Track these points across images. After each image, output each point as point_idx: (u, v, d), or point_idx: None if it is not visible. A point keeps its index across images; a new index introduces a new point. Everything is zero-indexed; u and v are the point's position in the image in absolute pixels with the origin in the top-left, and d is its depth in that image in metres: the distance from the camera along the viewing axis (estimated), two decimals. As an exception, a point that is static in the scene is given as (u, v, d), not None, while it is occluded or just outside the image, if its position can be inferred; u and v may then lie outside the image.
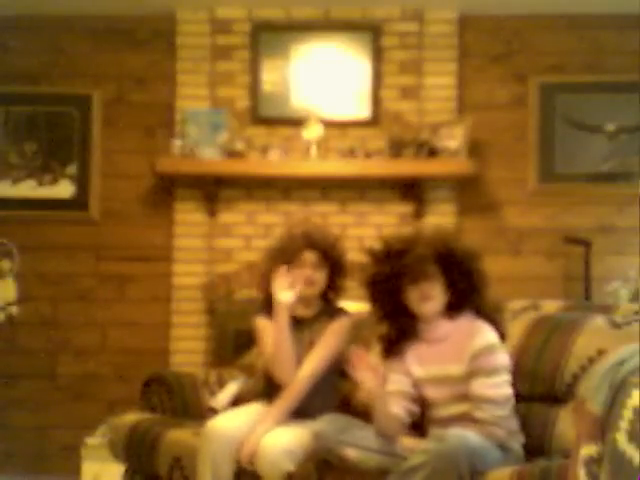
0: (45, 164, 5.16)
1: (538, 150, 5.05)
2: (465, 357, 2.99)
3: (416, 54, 5.04)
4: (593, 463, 2.27)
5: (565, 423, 2.99)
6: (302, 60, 5.05)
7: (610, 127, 5.00)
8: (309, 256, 3.47)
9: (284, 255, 3.46)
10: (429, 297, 3.06)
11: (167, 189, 5.05)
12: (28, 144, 5.18)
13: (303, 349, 3.42)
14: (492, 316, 3.12)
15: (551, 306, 3.62)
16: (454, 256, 3.09)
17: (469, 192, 5.01)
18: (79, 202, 5.13)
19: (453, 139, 4.80)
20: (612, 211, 5.00)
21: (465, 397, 2.99)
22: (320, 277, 3.48)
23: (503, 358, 3.02)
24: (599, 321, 3.26)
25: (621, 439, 2.23)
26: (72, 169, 5.14)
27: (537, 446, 3.08)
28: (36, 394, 5.07)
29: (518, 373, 3.28)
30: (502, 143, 5.07)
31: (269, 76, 5.06)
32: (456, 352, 3.03)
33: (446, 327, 3.11)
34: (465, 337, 3.03)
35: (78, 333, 5.09)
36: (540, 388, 3.20)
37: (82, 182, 5.14)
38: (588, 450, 2.28)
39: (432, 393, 3.10)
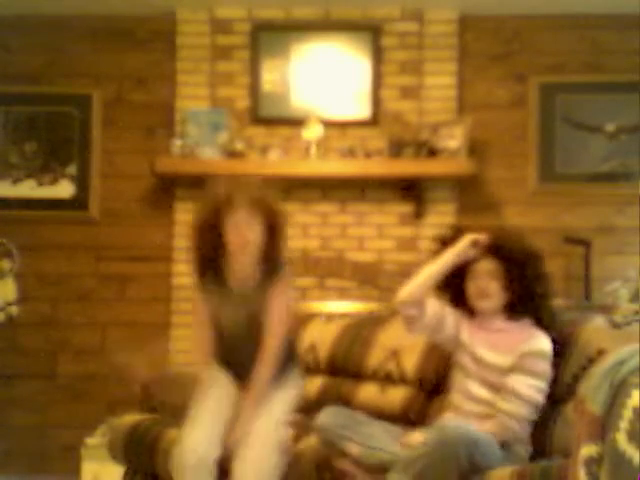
0: (45, 164, 5.16)
1: (538, 150, 5.06)
2: (515, 353, 2.97)
3: (416, 54, 5.04)
4: (593, 463, 2.27)
5: (565, 422, 2.99)
6: (302, 60, 5.05)
7: (610, 127, 5.00)
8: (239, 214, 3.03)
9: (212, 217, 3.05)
10: (486, 294, 3.04)
11: (167, 189, 5.05)
12: (28, 144, 5.18)
13: (249, 322, 3.13)
14: (551, 330, 3.06)
15: (551, 306, 3.62)
16: (515, 256, 3.07)
17: (469, 192, 5.01)
18: (79, 202, 5.13)
19: (453, 139, 4.80)
20: (612, 211, 5.00)
21: (494, 387, 2.98)
22: (254, 234, 3.02)
23: (549, 368, 2.99)
24: (599, 321, 3.26)
25: (621, 439, 2.23)
26: (72, 169, 5.14)
27: (537, 445, 3.08)
28: (36, 394, 5.07)
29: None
30: (502, 143, 5.07)
31: (269, 76, 5.06)
32: (507, 345, 3.00)
33: (503, 324, 3.08)
34: (520, 337, 3.00)
35: (78, 333, 5.09)
36: (540, 387, 3.20)
37: (82, 182, 5.14)
38: (588, 450, 2.28)
39: (466, 362, 3.08)
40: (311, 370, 3.88)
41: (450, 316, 3.13)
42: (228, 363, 3.18)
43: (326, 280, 4.98)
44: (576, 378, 3.06)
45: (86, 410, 5.00)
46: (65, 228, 5.13)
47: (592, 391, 2.33)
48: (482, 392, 3.01)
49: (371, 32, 5.04)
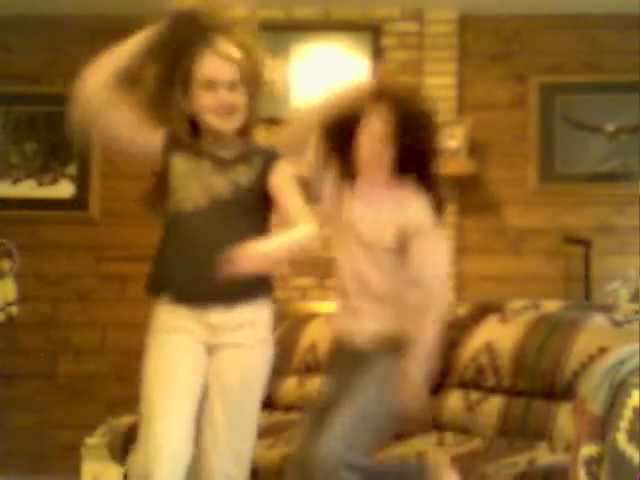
0: (45, 164, 5.16)
1: (538, 150, 5.05)
2: (401, 229, 2.76)
3: (416, 54, 5.04)
4: (593, 463, 2.27)
5: (565, 418, 2.99)
6: (302, 60, 5.04)
7: (610, 127, 5.00)
8: (222, 71, 2.55)
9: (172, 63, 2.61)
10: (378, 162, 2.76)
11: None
12: (28, 144, 5.18)
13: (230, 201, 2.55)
14: (433, 190, 2.92)
15: (551, 306, 3.63)
16: (413, 118, 2.75)
17: (469, 192, 5.01)
18: (79, 202, 5.13)
19: (453, 139, 4.80)
20: (612, 211, 4.99)
21: (380, 264, 2.75)
22: (239, 99, 2.57)
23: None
24: (600, 319, 3.27)
25: (621, 439, 2.24)
26: (72, 169, 5.14)
27: (538, 440, 3.08)
28: (36, 394, 5.07)
29: (518, 370, 3.29)
30: (502, 143, 5.06)
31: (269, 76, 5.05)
32: (390, 218, 2.77)
33: (386, 190, 2.81)
34: (399, 207, 2.79)
35: (78, 333, 5.09)
36: (540, 385, 3.21)
37: (82, 182, 5.14)
38: (588, 450, 2.29)
39: (347, 238, 2.78)
40: (311, 370, 3.88)
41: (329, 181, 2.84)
42: (183, 263, 2.50)
43: (326, 280, 4.98)
44: (576, 375, 3.07)
45: (86, 410, 5.00)
46: (65, 228, 5.13)
47: (592, 391, 2.33)
48: (371, 272, 2.75)
49: (371, 32, 5.04)
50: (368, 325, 2.74)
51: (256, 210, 2.56)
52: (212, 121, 2.53)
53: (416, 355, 2.67)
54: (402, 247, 2.76)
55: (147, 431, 2.40)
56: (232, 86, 2.53)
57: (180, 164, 2.55)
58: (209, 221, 2.50)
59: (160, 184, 2.59)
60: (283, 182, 2.60)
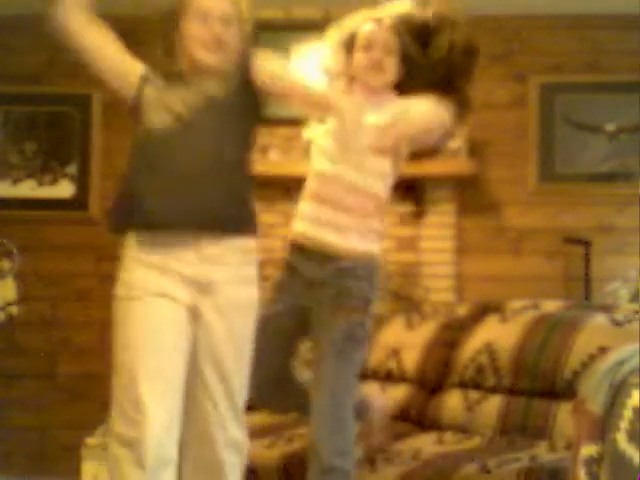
0: (45, 164, 5.16)
1: (538, 150, 5.05)
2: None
3: (416, 54, 5.03)
4: (593, 463, 2.27)
5: (565, 417, 3.00)
6: (302, 60, 5.04)
7: (610, 127, 5.00)
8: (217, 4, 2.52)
9: None
10: (380, 68, 2.83)
11: (167, 189, 5.04)
12: (28, 144, 5.18)
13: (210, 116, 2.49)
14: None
15: (551, 306, 3.64)
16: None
17: (469, 192, 5.01)
18: (79, 202, 5.13)
19: (453, 139, 4.79)
20: (612, 211, 4.99)
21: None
22: (231, 37, 2.54)
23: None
24: (600, 319, 3.27)
25: (621, 439, 2.24)
26: (72, 169, 5.14)
27: (538, 440, 3.09)
28: (36, 394, 5.07)
29: (518, 370, 3.30)
30: (502, 143, 5.06)
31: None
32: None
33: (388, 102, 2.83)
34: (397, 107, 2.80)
35: (78, 333, 5.09)
36: (540, 384, 3.22)
37: (82, 182, 5.14)
38: (588, 450, 2.29)
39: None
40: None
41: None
42: (161, 190, 2.35)
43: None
44: (576, 375, 3.07)
45: (86, 410, 5.00)
46: (65, 228, 5.13)
47: (592, 391, 2.33)
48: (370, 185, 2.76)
49: (371, 32, 5.03)
50: (351, 243, 2.72)
51: (237, 118, 2.49)
52: (199, 54, 2.45)
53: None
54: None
55: (130, 396, 2.24)
56: (226, 22, 2.47)
57: (152, 91, 2.49)
58: (186, 136, 2.39)
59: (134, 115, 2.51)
60: (261, 65, 2.55)
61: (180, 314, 2.34)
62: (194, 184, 2.30)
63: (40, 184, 5.16)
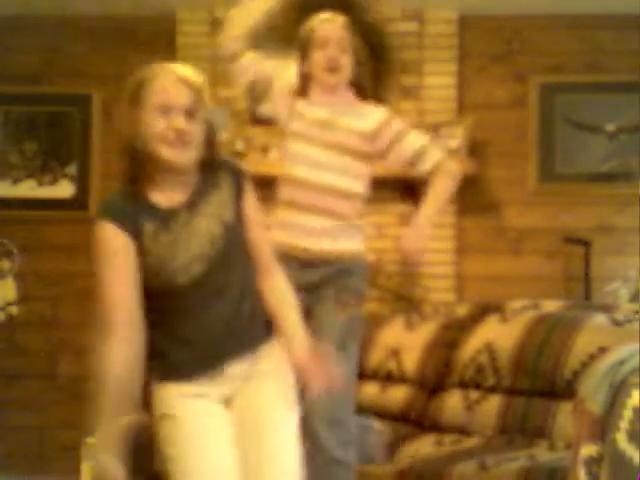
0: (45, 164, 5.16)
1: (538, 150, 5.05)
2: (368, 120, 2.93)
3: (416, 54, 5.03)
4: (593, 463, 2.27)
5: (565, 417, 3.00)
6: (302, 60, 5.04)
7: (610, 127, 4.99)
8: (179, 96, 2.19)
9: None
10: (337, 67, 2.88)
11: (167, 189, 5.04)
12: (28, 144, 5.17)
13: (220, 256, 2.23)
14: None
15: (551, 306, 3.64)
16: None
17: (469, 192, 5.00)
18: (79, 202, 5.13)
19: (453, 139, 4.80)
20: (612, 211, 4.99)
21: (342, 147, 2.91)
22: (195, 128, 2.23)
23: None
24: (600, 319, 3.27)
25: (621, 439, 2.24)
26: (72, 169, 5.14)
27: (538, 437, 3.09)
28: (36, 394, 5.07)
29: (518, 369, 3.30)
30: (502, 143, 5.06)
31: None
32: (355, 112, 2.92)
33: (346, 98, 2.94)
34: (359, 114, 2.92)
35: (78, 333, 5.08)
36: (541, 384, 3.22)
37: (82, 182, 5.13)
38: (588, 450, 2.29)
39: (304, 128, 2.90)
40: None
41: (279, 84, 2.96)
42: (185, 344, 2.22)
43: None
44: (576, 375, 3.07)
45: (86, 410, 4.99)
46: (65, 228, 5.12)
47: (592, 391, 2.33)
48: (329, 156, 2.86)
49: (371, 32, 5.03)
50: (342, 245, 2.86)
51: (244, 245, 2.26)
52: (165, 153, 2.16)
53: (435, 205, 2.98)
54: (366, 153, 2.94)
55: None
56: (189, 113, 2.18)
57: (153, 233, 2.20)
58: (208, 283, 2.18)
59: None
60: (255, 214, 2.29)
61: (217, 409, 2.25)
62: (226, 332, 2.20)
63: (40, 184, 5.16)
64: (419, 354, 3.66)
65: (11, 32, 5.16)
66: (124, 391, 2.24)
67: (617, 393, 2.29)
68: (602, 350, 3.01)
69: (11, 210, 5.10)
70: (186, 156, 2.17)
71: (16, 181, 5.16)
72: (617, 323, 3.24)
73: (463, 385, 3.48)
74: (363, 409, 3.64)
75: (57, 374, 5.09)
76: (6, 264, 4.69)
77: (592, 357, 3.05)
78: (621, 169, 5.00)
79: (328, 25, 2.93)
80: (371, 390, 3.69)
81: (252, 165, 4.86)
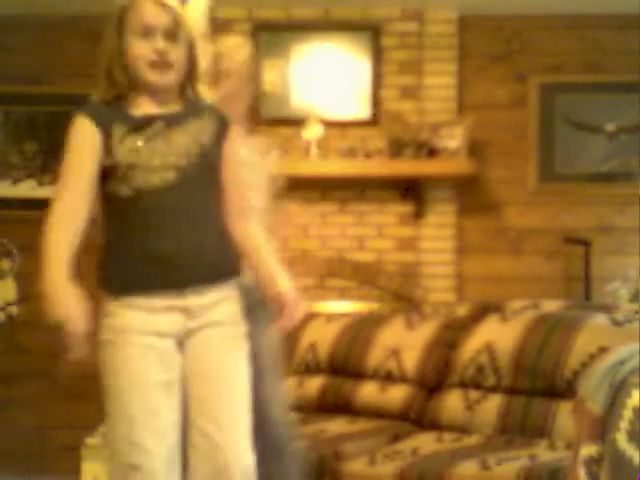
0: (45, 164, 5.16)
1: (538, 150, 5.05)
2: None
3: (416, 54, 5.04)
4: (593, 463, 2.27)
5: (565, 417, 3.00)
6: (302, 60, 5.04)
7: (610, 127, 5.00)
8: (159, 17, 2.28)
9: None
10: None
11: (167, 189, 5.04)
12: (28, 144, 5.17)
13: (195, 167, 2.28)
14: None
15: (551, 306, 3.64)
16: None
17: (469, 192, 5.01)
18: (79, 202, 5.13)
19: (453, 139, 4.80)
20: (612, 211, 4.99)
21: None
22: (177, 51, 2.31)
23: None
24: (600, 319, 3.27)
25: (621, 439, 2.24)
26: (72, 169, 5.14)
27: (538, 437, 3.09)
28: (36, 394, 5.06)
29: (518, 369, 3.30)
30: (502, 143, 5.06)
31: (269, 76, 5.05)
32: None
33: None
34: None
35: (78, 333, 5.08)
36: (541, 383, 3.22)
37: (82, 182, 5.13)
38: (588, 450, 2.29)
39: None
40: (311, 370, 3.89)
41: None
42: (150, 258, 2.26)
43: (326, 280, 4.98)
44: (576, 374, 3.07)
45: (86, 410, 4.99)
46: (65, 228, 5.12)
47: (592, 391, 2.33)
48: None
49: (371, 32, 5.03)
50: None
51: (217, 173, 2.32)
52: (148, 75, 2.27)
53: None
54: None
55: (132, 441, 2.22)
56: (170, 35, 2.26)
57: (126, 141, 2.26)
58: (180, 194, 2.23)
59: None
60: (234, 160, 2.35)
61: (168, 348, 2.28)
62: (192, 244, 2.24)
63: (40, 184, 5.16)
64: (419, 354, 3.66)
65: (11, 32, 5.16)
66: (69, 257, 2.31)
67: (617, 393, 2.29)
68: (602, 350, 3.02)
69: (11, 210, 5.10)
70: (167, 77, 2.27)
71: (16, 181, 5.16)
72: (617, 323, 3.24)
73: (463, 385, 3.48)
74: (363, 409, 3.65)
75: (57, 374, 5.09)
76: (6, 264, 4.69)
77: (592, 357, 3.05)
78: (621, 169, 5.00)
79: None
80: (371, 390, 3.69)
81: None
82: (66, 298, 2.35)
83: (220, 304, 2.30)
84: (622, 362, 2.37)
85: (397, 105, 5.05)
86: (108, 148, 2.26)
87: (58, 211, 2.44)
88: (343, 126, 5.02)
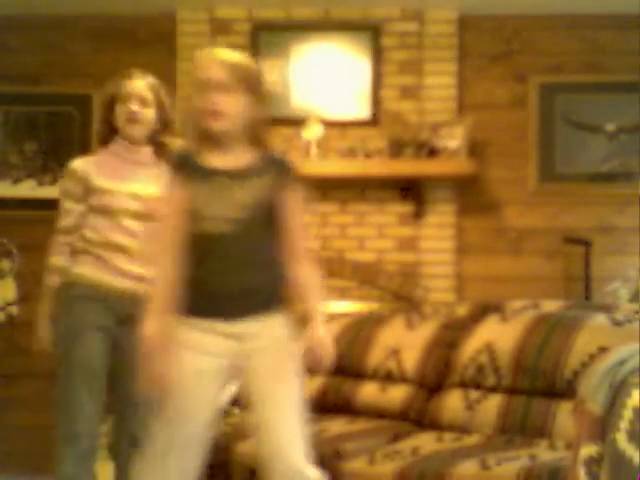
0: (45, 164, 5.16)
1: (538, 150, 5.05)
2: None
3: (416, 54, 5.04)
4: (593, 463, 2.27)
5: (565, 417, 3.00)
6: (302, 60, 5.04)
7: (610, 127, 5.00)
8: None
9: None
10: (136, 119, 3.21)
11: (167, 189, 5.04)
12: (28, 144, 5.18)
13: (252, 215, 2.52)
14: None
15: (551, 306, 3.63)
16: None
17: (469, 192, 5.01)
18: (79, 202, 5.13)
19: (453, 139, 4.80)
20: (612, 211, 5.00)
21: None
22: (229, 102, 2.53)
23: None
24: (600, 319, 3.27)
25: (621, 439, 2.24)
26: (72, 169, 5.14)
27: (538, 437, 3.09)
28: (36, 394, 5.06)
29: (519, 369, 3.30)
30: (502, 143, 5.07)
31: (269, 76, 5.05)
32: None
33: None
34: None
35: (78, 333, 5.08)
36: (541, 383, 3.22)
37: (82, 182, 5.13)
38: (588, 450, 2.29)
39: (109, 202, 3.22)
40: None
41: None
42: (209, 293, 2.50)
43: (326, 280, 4.98)
44: (576, 374, 3.07)
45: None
46: (65, 228, 5.12)
47: (592, 391, 2.33)
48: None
49: (371, 32, 5.04)
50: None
51: (273, 218, 2.54)
52: (204, 124, 2.50)
53: None
54: None
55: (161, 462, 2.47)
56: (222, 88, 2.49)
57: (196, 185, 2.49)
58: (233, 242, 2.47)
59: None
60: (297, 208, 2.55)
61: (221, 366, 2.52)
62: (248, 283, 2.49)
63: (40, 184, 5.16)
64: (419, 354, 3.66)
65: (11, 32, 5.16)
66: (172, 294, 2.48)
67: (617, 393, 2.29)
68: (602, 350, 3.01)
69: (11, 210, 5.10)
70: (221, 125, 2.47)
71: (16, 181, 5.17)
72: (617, 323, 3.24)
73: (463, 385, 3.48)
74: (363, 409, 3.65)
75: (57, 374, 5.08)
76: (6, 264, 4.69)
77: (592, 357, 3.05)
78: (621, 169, 5.00)
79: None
80: (371, 390, 3.69)
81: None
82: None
83: (268, 329, 2.52)
84: (622, 362, 2.37)
85: (397, 105, 5.05)
86: (188, 191, 2.49)
87: (162, 244, 2.56)
88: (343, 126, 5.02)
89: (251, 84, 2.53)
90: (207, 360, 2.48)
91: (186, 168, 2.50)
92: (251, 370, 2.50)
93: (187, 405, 2.47)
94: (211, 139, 2.50)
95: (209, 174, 2.48)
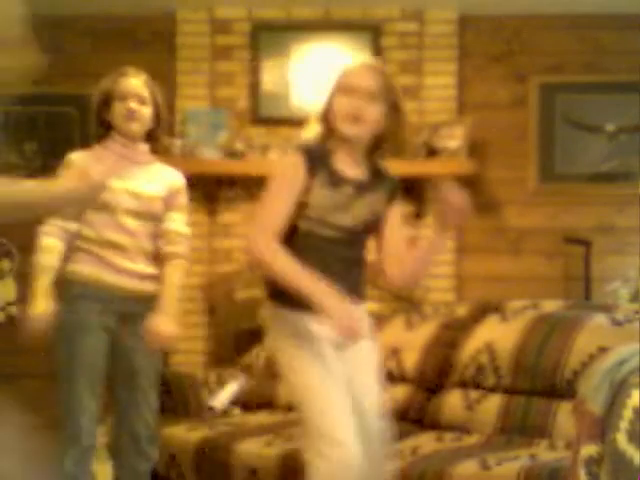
0: (45, 164, 5.16)
1: (538, 150, 5.06)
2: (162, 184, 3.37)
3: (416, 54, 5.04)
4: (593, 463, 2.27)
5: (565, 417, 3.00)
6: (302, 60, 5.05)
7: (610, 127, 4.99)
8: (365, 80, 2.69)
9: None
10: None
11: (167, 189, 5.04)
12: (28, 144, 5.18)
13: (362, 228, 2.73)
14: None
15: (551, 306, 3.64)
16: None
17: (469, 192, 4.99)
18: (79, 202, 5.13)
19: (453, 139, 4.80)
20: (612, 211, 4.99)
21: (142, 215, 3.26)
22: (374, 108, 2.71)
23: None
24: (600, 319, 3.27)
25: (621, 439, 2.24)
26: (72, 169, 5.14)
27: (538, 437, 3.09)
28: (36, 394, 5.06)
29: (518, 369, 3.30)
30: (502, 143, 5.06)
31: (269, 76, 5.05)
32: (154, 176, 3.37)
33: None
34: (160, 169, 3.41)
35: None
36: (541, 383, 3.22)
37: (82, 182, 5.13)
38: (588, 450, 2.29)
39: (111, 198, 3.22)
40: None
41: None
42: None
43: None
44: (576, 374, 3.07)
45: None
46: (65, 228, 5.12)
47: (592, 391, 2.33)
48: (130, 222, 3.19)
49: (371, 32, 5.04)
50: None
51: (374, 227, 2.76)
52: (343, 127, 2.60)
53: (176, 294, 3.28)
54: None
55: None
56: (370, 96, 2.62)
57: (324, 187, 2.60)
58: (339, 245, 2.64)
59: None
60: (399, 222, 2.77)
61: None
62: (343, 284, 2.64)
63: (40, 184, 5.16)
64: (419, 354, 3.66)
65: (11, 32, 5.16)
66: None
67: (617, 393, 2.29)
68: (602, 350, 3.02)
69: (11, 210, 5.09)
70: (357, 130, 2.61)
71: (16, 181, 5.16)
72: (617, 323, 3.24)
73: (463, 385, 3.48)
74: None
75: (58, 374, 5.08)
76: (6, 264, 4.70)
77: (592, 357, 3.06)
78: (621, 169, 5.00)
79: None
80: (371, 390, 3.69)
81: (252, 165, 4.87)
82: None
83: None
84: (622, 362, 2.37)
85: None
86: (308, 188, 2.57)
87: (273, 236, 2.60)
88: (343, 126, 5.02)
89: (391, 97, 2.69)
90: (329, 349, 2.62)
91: (316, 162, 2.58)
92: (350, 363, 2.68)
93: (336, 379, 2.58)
94: (338, 141, 2.62)
95: (339, 181, 2.60)
